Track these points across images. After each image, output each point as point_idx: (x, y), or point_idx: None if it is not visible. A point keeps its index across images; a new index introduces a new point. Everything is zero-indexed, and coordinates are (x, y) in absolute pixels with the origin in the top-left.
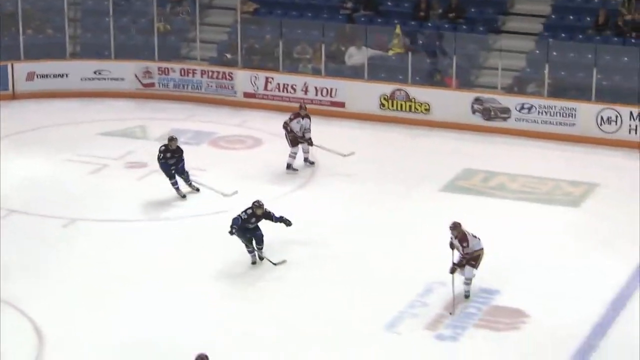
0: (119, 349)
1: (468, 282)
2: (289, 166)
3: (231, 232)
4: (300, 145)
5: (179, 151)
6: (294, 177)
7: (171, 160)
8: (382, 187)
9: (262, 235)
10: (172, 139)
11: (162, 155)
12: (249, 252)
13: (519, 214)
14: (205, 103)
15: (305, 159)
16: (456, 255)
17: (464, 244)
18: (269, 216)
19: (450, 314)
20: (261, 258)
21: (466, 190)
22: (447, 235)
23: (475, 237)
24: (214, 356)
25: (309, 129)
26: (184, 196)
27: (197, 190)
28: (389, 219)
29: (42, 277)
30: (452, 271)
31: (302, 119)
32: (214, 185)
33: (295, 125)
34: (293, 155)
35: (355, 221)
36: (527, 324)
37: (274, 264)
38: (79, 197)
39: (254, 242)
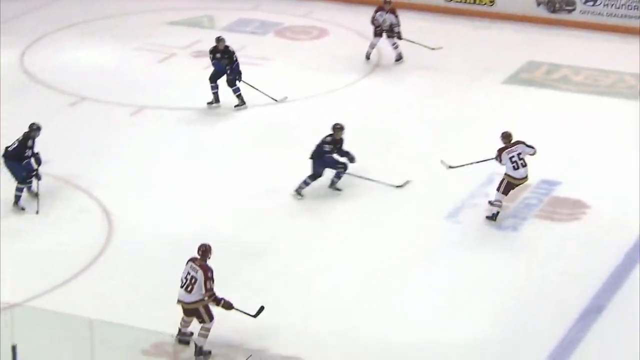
0: (179, 236)
1: (494, 203)
2: (367, 56)
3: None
4: (387, 39)
5: (229, 52)
6: (358, 68)
7: (223, 60)
8: (445, 78)
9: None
10: (219, 40)
11: (212, 55)
12: (305, 184)
13: (582, 106)
14: None
15: (398, 55)
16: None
17: (496, 155)
18: (342, 143)
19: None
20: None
21: (529, 82)
22: (509, 128)
23: (516, 162)
24: (280, 252)
25: (397, 23)
26: (210, 102)
27: (243, 103)
28: (453, 111)
29: (111, 162)
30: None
31: (386, 13)
32: (265, 90)
33: (379, 18)
34: (372, 45)
35: (419, 113)
36: (588, 215)
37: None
38: (146, 85)
39: (334, 172)
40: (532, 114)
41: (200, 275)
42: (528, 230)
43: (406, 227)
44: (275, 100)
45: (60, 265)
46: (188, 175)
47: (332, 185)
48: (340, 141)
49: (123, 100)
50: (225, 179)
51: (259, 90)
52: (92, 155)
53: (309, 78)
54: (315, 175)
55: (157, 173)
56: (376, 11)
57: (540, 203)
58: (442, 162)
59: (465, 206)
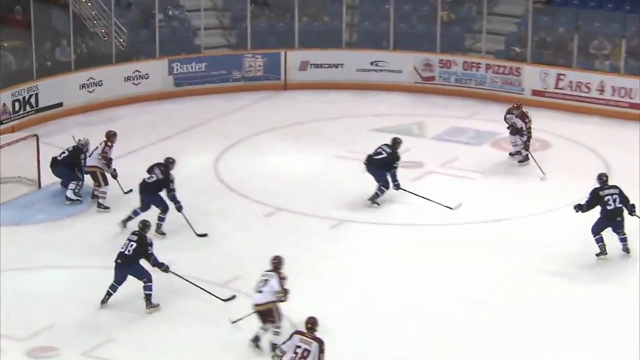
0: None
1: None
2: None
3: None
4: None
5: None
6: (579, 184)
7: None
8: None
9: None
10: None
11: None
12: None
13: None
14: (488, 100)
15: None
16: None
17: None
18: None
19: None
20: None
21: None
22: None
23: None
24: None
25: (522, 129)
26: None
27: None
28: None
29: (306, 277)
30: None
31: (515, 117)
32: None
33: (508, 120)
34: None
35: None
36: None
37: None
38: (349, 196)
39: None
40: None
41: (315, 347)
42: None
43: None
44: (451, 209)
45: None
46: (384, 291)
47: None
48: None
49: (322, 212)
50: (428, 294)
51: (430, 200)
52: (287, 270)
53: (527, 193)
54: None
55: (353, 289)
56: (507, 112)
57: None
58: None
59: None
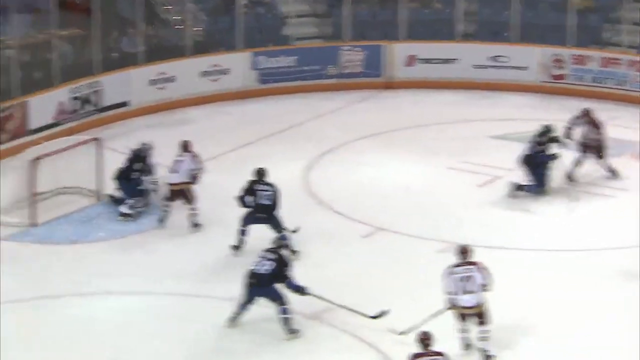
0: None
1: None
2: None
3: None
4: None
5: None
6: None
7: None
8: None
9: None
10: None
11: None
12: None
13: None
14: (631, 103)
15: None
16: None
17: None
18: None
19: None
20: None
21: None
22: None
23: None
24: None
25: (596, 138)
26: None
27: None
28: None
29: (407, 306)
30: None
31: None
32: None
33: (573, 126)
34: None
35: None
36: None
37: None
38: (461, 215)
39: None
40: None
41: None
42: None
43: None
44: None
45: None
46: (503, 324)
47: None
48: None
49: (430, 233)
50: (556, 326)
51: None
52: (387, 295)
53: None
54: None
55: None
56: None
57: None
58: None
59: None
